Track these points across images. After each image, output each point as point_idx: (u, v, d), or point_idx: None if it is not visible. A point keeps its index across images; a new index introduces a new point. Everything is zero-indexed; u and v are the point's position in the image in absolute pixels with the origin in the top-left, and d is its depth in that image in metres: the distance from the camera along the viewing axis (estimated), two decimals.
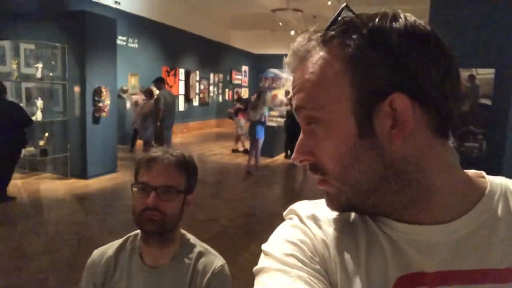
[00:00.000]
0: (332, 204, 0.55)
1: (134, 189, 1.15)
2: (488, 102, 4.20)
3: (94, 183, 6.25)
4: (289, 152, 9.28)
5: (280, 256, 0.52)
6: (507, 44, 3.79)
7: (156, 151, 1.18)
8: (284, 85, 19.05)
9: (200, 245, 1.25)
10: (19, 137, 5.24)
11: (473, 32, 3.65)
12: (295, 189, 7.09)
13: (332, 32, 0.50)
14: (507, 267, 0.48)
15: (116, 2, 9.44)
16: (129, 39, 10.52)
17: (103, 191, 5.89)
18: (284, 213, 0.63)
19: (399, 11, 0.50)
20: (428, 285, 0.48)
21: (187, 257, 1.20)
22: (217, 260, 1.21)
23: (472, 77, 4.16)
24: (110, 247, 1.23)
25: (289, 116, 9.03)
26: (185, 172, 1.17)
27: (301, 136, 0.54)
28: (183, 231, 1.27)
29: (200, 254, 1.21)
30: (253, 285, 0.54)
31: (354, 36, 0.48)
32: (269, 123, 9.68)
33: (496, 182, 0.54)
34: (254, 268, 0.54)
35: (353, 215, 0.57)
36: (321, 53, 0.51)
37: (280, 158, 9.31)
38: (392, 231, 0.52)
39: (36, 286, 3.06)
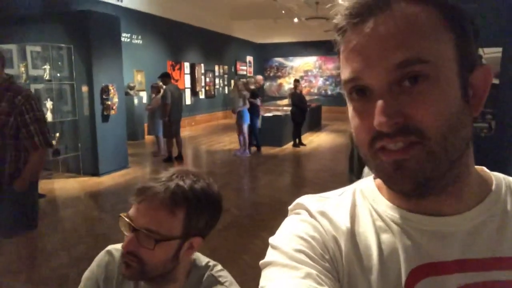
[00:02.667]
0: (408, 179, 0.47)
1: (122, 220, 0.94)
2: (496, 81, 4.16)
3: (106, 180, 6.36)
4: (297, 140, 9.31)
5: (290, 252, 0.51)
6: None
7: (160, 178, 0.94)
8: (289, 73, 18.96)
9: (210, 273, 1.03)
10: None
11: (480, 11, 3.61)
12: (304, 177, 7.12)
13: None
14: None
15: (118, 0, 9.46)
16: (133, 35, 10.55)
17: (116, 188, 5.99)
18: (290, 207, 0.61)
19: None
20: (443, 274, 0.49)
21: None
22: None
23: (479, 57, 4.12)
24: (117, 257, 1.05)
25: (295, 104, 9.04)
26: (186, 212, 0.92)
27: (384, 99, 0.45)
28: (196, 255, 1.07)
29: (209, 284, 1.01)
30: None
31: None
32: (276, 113, 9.72)
33: (498, 175, 0.56)
34: (261, 261, 0.53)
35: (363, 209, 0.56)
36: (416, 6, 0.46)
37: (288, 147, 9.33)
38: (405, 221, 0.52)
39: (58, 281, 3.17)
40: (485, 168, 0.57)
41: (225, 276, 1.04)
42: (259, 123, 8.68)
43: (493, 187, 0.53)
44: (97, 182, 6.28)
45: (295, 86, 9.36)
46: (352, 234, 0.53)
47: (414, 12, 0.45)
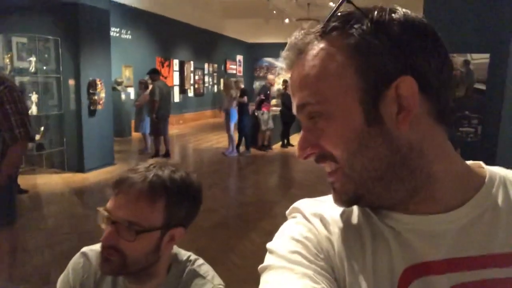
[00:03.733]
0: (339, 198, 0.54)
1: (100, 214, 0.91)
2: (483, 87, 4.22)
3: (91, 176, 6.26)
4: (285, 141, 9.31)
5: (285, 254, 0.52)
6: (502, 28, 3.80)
7: (137, 168, 0.92)
8: (279, 73, 18.98)
9: (191, 268, 1.02)
10: None
11: (468, 17, 3.65)
12: (292, 178, 7.13)
13: (333, 24, 0.50)
14: (511, 251, 0.49)
15: None
16: (122, 30, 10.41)
17: (101, 184, 5.89)
18: (287, 212, 0.63)
19: (395, 5, 0.51)
20: (435, 273, 0.49)
21: (175, 284, 1.00)
22: (208, 284, 0.98)
23: (467, 62, 4.18)
24: (93, 259, 1.02)
25: (284, 104, 9.04)
26: (165, 202, 0.90)
27: (302, 133, 0.54)
28: (177, 249, 1.05)
29: (189, 279, 1.00)
30: (254, 272, 0.54)
31: (356, 26, 0.48)
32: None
33: (494, 171, 0.55)
34: (260, 266, 0.54)
35: (356, 211, 0.57)
36: (321, 45, 0.50)
37: (277, 147, 9.33)
38: (396, 223, 0.52)
39: (40, 279, 3.09)
40: (482, 163, 0.57)
41: (206, 270, 1.02)
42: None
43: (484, 184, 0.53)
44: (82, 178, 6.17)
45: (285, 87, 9.36)
46: (344, 235, 0.54)
47: (317, 54, 0.50)
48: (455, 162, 0.53)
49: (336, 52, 0.49)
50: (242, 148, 8.45)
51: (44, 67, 6.41)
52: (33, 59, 6.23)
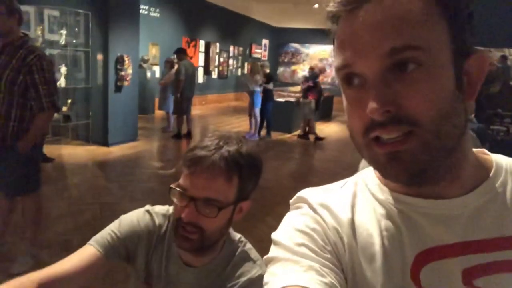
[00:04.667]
0: (404, 170, 0.47)
1: (173, 191, 0.94)
2: None
3: (115, 151, 6.38)
4: (307, 129, 9.24)
5: (291, 246, 0.52)
6: None
7: (206, 145, 0.93)
8: (304, 60, 18.74)
9: (243, 249, 1.05)
10: None
11: (506, 11, 3.49)
12: (311, 166, 7.10)
13: None
14: None
15: None
16: (151, 8, 10.44)
17: (124, 159, 6.01)
18: (291, 201, 0.62)
19: None
20: (448, 257, 0.48)
21: (227, 260, 1.02)
22: (256, 269, 1.00)
23: (504, 58, 4.01)
24: (156, 219, 1.06)
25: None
26: (239, 178, 0.93)
27: (376, 86, 0.45)
28: (230, 231, 1.07)
29: (240, 260, 1.02)
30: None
31: None
32: (288, 99, 9.64)
33: (498, 157, 0.56)
34: (265, 257, 0.54)
35: (365, 198, 0.56)
36: None
37: (297, 134, 9.28)
38: (407, 206, 0.51)
39: (61, 246, 3.20)
40: (485, 151, 0.57)
41: (256, 255, 1.05)
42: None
43: (493, 169, 0.53)
44: (105, 151, 6.30)
45: (311, 73, 9.25)
46: (353, 224, 0.54)
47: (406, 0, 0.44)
48: (471, 149, 0.54)
49: (430, 1, 0.45)
50: (263, 133, 8.44)
51: (74, 41, 6.51)
52: (63, 32, 6.33)
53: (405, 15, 0.43)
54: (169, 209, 1.09)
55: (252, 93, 7.91)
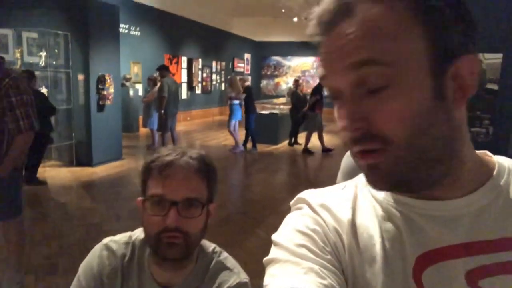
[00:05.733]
0: (381, 181, 0.47)
1: (146, 203, 0.92)
2: (495, 87, 4.18)
3: (99, 171, 6.29)
4: (293, 139, 9.29)
5: (291, 247, 0.51)
6: None
7: (169, 153, 0.93)
8: (286, 72, 18.94)
9: (218, 259, 1.03)
10: (46, 125, 5.40)
11: (481, 16, 3.62)
12: (299, 176, 7.11)
13: None
14: None
15: None
16: (131, 27, 10.45)
17: (109, 178, 5.92)
18: (292, 202, 0.61)
19: None
20: (451, 258, 0.48)
21: (203, 274, 1.01)
22: (234, 277, 0.99)
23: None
24: (117, 251, 1.01)
25: (294, 103, 9.03)
26: (207, 179, 0.95)
27: (348, 102, 0.45)
28: (203, 241, 1.05)
29: (217, 271, 1.01)
30: (260, 268, 0.53)
31: None
32: (273, 111, 9.71)
33: (501, 158, 0.55)
34: (265, 259, 0.53)
35: (365, 199, 0.55)
36: None
37: (284, 145, 9.32)
38: (408, 208, 0.51)
39: (47, 270, 3.11)
40: (488, 152, 0.56)
41: (233, 263, 1.04)
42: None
43: (495, 170, 0.52)
44: (90, 172, 6.20)
45: (296, 86, 9.36)
46: (353, 225, 0.53)
47: (376, 12, 0.43)
48: (472, 146, 0.52)
49: (403, 9, 0.43)
50: (249, 146, 8.45)
51: (54, 62, 6.45)
52: (43, 53, 6.28)
53: (372, 31, 0.43)
54: (131, 235, 1.05)
55: (230, 107, 8.02)
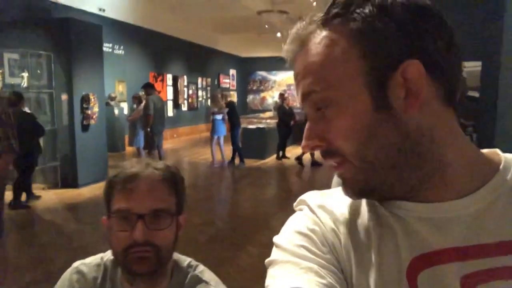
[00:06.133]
0: (350, 190, 0.53)
1: (111, 219, 0.89)
2: (476, 94, 4.27)
3: (85, 192, 6.17)
4: (281, 153, 9.30)
5: (291, 248, 0.52)
6: (493, 36, 3.85)
7: (133, 165, 0.91)
8: (272, 87, 19.09)
9: (194, 274, 1.01)
10: (35, 146, 5.41)
11: (459, 24, 3.71)
12: (289, 189, 7.09)
13: (335, 11, 0.49)
14: None
15: (100, 10, 9.36)
16: (115, 45, 10.43)
17: (95, 199, 5.80)
18: (294, 204, 0.62)
19: None
20: (446, 262, 0.47)
21: None
22: None
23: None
24: (87, 274, 0.99)
25: (281, 117, 9.07)
26: (175, 189, 0.93)
27: (308, 123, 0.52)
28: (176, 255, 1.03)
29: (194, 284, 0.99)
30: (251, 285, 0.53)
31: (358, 11, 0.47)
32: (259, 125, 9.73)
33: (510, 157, 0.53)
34: (266, 260, 0.54)
35: (363, 202, 0.56)
36: (324, 33, 0.49)
37: (271, 159, 9.31)
38: (404, 211, 0.51)
39: None
40: (498, 151, 0.55)
41: (209, 276, 1.01)
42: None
43: (501, 167, 0.51)
44: (75, 193, 6.08)
45: (282, 100, 9.42)
46: (350, 226, 0.54)
47: (320, 41, 0.49)
48: (466, 147, 0.51)
49: (340, 38, 0.48)
50: (236, 161, 8.42)
51: (37, 83, 6.37)
52: (25, 74, 6.20)
53: (315, 59, 0.49)
54: (102, 256, 1.02)
55: (212, 122, 8.11)
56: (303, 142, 0.53)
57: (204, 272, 1.02)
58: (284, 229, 0.57)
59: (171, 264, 0.98)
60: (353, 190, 0.52)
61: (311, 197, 0.60)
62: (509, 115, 3.45)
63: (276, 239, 0.55)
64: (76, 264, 1.01)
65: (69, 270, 1.01)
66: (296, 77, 0.52)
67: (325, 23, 0.50)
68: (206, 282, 0.98)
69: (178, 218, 0.95)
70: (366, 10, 0.47)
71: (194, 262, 1.04)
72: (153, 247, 0.87)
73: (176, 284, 0.98)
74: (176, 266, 1.00)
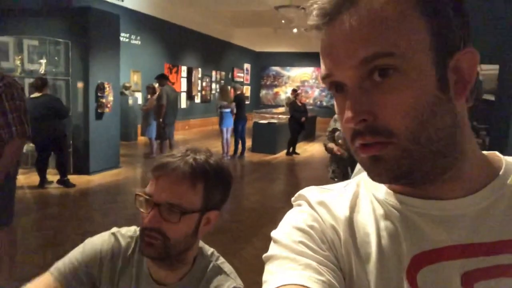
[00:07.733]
0: (385, 174, 0.47)
1: (139, 199, 0.94)
2: (491, 97, 4.20)
3: (97, 179, 6.27)
4: (291, 149, 9.29)
5: (289, 244, 0.51)
6: (511, 40, 3.78)
7: (172, 154, 0.94)
8: (286, 83, 19.03)
9: (216, 263, 1.04)
10: (61, 127, 5.59)
11: (478, 27, 3.65)
12: (296, 185, 7.09)
13: None
14: None
15: None
16: (132, 36, 10.52)
17: (106, 187, 5.90)
18: (293, 199, 0.61)
19: None
20: (448, 259, 0.47)
21: (199, 276, 1.01)
22: (230, 281, 1.00)
23: (476, 73, 4.17)
24: (122, 242, 1.04)
25: (293, 113, 9.05)
26: (204, 185, 0.93)
27: (354, 94, 0.45)
28: (202, 244, 1.07)
29: (213, 274, 1.01)
30: (256, 277, 0.54)
31: None
32: (271, 120, 9.73)
33: (510, 159, 0.54)
34: (264, 255, 0.53)
35: (363, 197, 0.55)
36: None
37: (282, 155, 9.32)
38: (407, 207, 0.50)
39: None
40: (497, 153, 0.55)
41: (230, 268, 1.05)
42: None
43: (502, 170, 0.51)
44: (87, 180, 6.18)
45: (295, 96, 9.39)
46: (350, 222, 0.53)
47: (380, 3, 0.43)
48: (476, 146, 0.52)
49: (407, 3, 0.44)
50: (236, 152, 8.52)
51: (54, 70, 6.48)
52: (43, 61, 6.31)
53: (378, 22, 0.43)
54: (136, 229, 1.07)
55: (220, 114, 8.14)
56: (348, 114, 0.45)
57: (224, 264, 1.06)
58: (283, 224, 0.56)
59: (195, 251, 1.03)
60: (392, 173, 0.47)
61: (311, 192, 0.59)
62: None
63: (274, 234, 0.55)
64: (113, 230, 1.07)
65: (107, 233, 1.06)
66: (345, 37, 0.45)
67: None
68: (227, 274, 1.02)
69: (204, 215, 0.96)
70: None
71: (216, 253, 1.08)
72: (162, 236, 0.91)
73: (198, 270, 1.02)
74: (200, 253, 1.05)
